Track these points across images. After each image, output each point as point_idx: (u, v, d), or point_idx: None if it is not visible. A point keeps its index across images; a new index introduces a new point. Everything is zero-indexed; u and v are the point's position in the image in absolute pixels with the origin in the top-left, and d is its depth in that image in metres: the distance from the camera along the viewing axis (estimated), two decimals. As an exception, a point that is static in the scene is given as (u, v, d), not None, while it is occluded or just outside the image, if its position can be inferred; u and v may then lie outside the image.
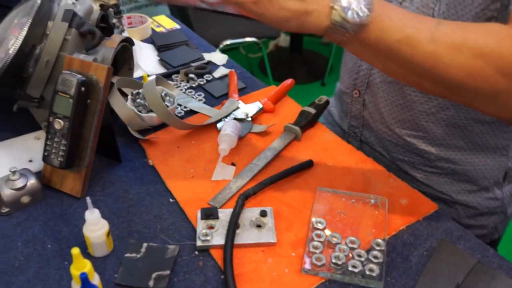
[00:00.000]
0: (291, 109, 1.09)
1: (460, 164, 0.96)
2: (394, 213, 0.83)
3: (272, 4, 0.65)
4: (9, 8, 1.35)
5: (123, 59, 1.06)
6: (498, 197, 1.00)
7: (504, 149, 0.96)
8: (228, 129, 0.97)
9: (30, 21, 0.89)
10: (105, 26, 0.97)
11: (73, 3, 0.93)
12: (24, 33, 0.89)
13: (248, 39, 2.79)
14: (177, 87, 1.16)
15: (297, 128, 0.99)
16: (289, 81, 1.15)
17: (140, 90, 1.05)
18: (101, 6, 0.96)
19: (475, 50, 0.68)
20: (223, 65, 1.26)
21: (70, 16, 0.90)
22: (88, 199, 0.73)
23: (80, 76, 0.83)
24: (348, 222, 0.81)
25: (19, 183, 0.86)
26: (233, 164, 0.94)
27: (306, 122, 1.01)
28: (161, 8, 2.97)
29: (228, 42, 2.71)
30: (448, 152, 0.96)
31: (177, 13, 2.56)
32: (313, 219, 0.80)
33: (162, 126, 1.03)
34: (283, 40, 3.68)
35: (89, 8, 0.95)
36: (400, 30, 0.67)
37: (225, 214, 0.82)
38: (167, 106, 1.02)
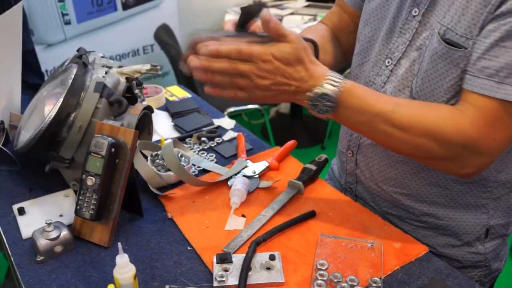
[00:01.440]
0: (294, 167, 1.21)
1: (443, 219, 1.06)
2: (389, 255, 0.93)
3: (270, 98, 0.89)
4: (27, 82, 1.51)
5: (144, 124, 1.19)
6: (481, 252, 1.08)
7: (484, 207, 1.05)
8: (238, 184, 1.08)
9: (66, 92, 1.02)
10: (130, 96, 1.10)
11: (103, 76, 1.06)
12: (60, 102, 1.02)
13: (250, 106, 2.96)
14: (191, 149, 1.29)
15: (300, 183, 1.10)
16: (291, 142, 1.27)
17: (159, 152, 1.17)
18: (127, 78, 1.10)
19: (420, 130, 0.87)
20: (231, 129, 1.39)
21: (101, 88, 1.04)
22: (120, 245, 0.84)
23: (110, 139, 0.96)
24: (348, 263, 0.91)
25: (53, 234, 0.96)
26: (243, 215, 1.04)
27: (308, 178, 1.12)
28: (169, 78, 3.15)
29: (232, 109, 2.87)
30: (431, 208, 1.06)
31: (184, 83, 2.73)
32: (317, 262, 0.90)
33: (179, 183, 1.15)
34: (284, 106, 3.85)
35: (117, 81, 1.09)
36: (361, 114, 0.88)
37: (238, 258, 0.91)
38: (183, 166, 1.13)
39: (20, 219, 1.06)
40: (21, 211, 1.07)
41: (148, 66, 1.10)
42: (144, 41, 3.06)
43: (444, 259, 1.08)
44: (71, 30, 2.78)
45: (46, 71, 2.76)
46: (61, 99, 1.02)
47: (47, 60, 2.74)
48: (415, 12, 0.97)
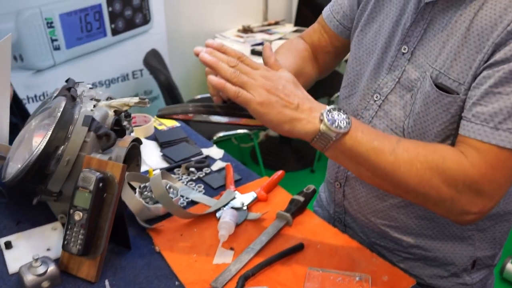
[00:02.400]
0: (282, 198, 1.21)
1: (431, 251, 1.07)
2: (377, 289, 0.93)
3: (272, 107, 0.82)
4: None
5: (132, 156, 1.19)
6: (468, 283, 1.09)
7: (470, 239, 1.06)
8: (226, 217, 1.09)
9: (54, 125, 1.02)
10: (118, 129, 1.11)
11: (92, 110, 1.07)
12: (48, 135, 1.02)
13: (240, 131, 2.97)
14: (179, 180, 1.29)
15: (288, 215, 1.11)
16: (279, 173, 1.28)
17: (147, 184, 1.17)
18: (115, 111, 1.11)
19: (424, 164, 0.85)
20: (220, 159, 1.40)
21: (89, 121, 1.04)
22: (107, 282, 0.83)
23: (98, 173, 0.96)
24: (336, 298, 0.91)
25: (41, 270, 0.95)
26: (232, 248, 1.04)
27: (296, 209, 1.13)
28: (158, 103, 3.16)
29: (221, 134, 2.87)
30: (418, 240, 1.07)
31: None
32: (305, 296, 0.90)
33: (167, 215, 1.15)
34: (273, 130, 3.86)
35: (105, 114, 1.09)
36: (369, 142, 0.85)
37: (226, 293, 0.91)
38: (171, 198, 1.14)
39: (7, 254, 1.05)
40: (8, 245, 1.06)
41: (136, 99, 1.10)
42: (134, 66, 3.07)
43: None
44: (61, 56, 2.78)
45: (35, 96, 2.76)
46: (49, 133, 1.03)
47: (36, 85, 2.74)
48: (404, 49, 0.99)
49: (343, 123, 0.83)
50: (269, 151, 3.63)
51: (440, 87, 0.91)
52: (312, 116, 0.84)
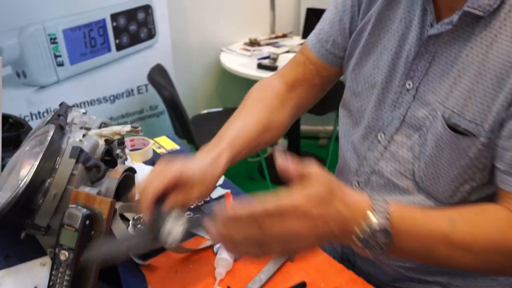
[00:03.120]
0: (284, 229, 1.14)
1: (448, 287, 0.99)
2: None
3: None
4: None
5: (126, 185, 1.13)
6: None
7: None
8: (223, 253, 1.02)
9: (40, 157, 0.97)
10: (110, 159, 1.05)
11: (80, 140, 1.01)
12: (34, 168, 0.96)
13: (246, 147, 2.90)
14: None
15: (290, 249, 1.04)
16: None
17: (141, 215, 1.11)
18: (106, 141, 1.05)
19: (484, 247, 0.75)
20: (220, 185, 1.33)
21: (77, 153, 0.98)
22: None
23: (85, 210, 0.90)
24: None
25: (24, 313, 0.90)
26: (228, 287, 0.98)
27: (298, 243, 1.06)
28: (164, 118, 3.11)
29: (227, 150, 2.81)
30: (437, 278, 0.99)
31: (181, 132, 2.69)
32: None
33: (161, 249, 1.08)
34: (281, 143, 3.80)
35: (95, 143, 1.03)
36: (417, 244, 0.74)
37: None
38: (166, 230, 1.07)
39: (-9, 293, 1.00)
40: (-7, 284, 1.01)
41: (128, 128, 1.05)
42: (139, 81, 3.02)
43: None
44: (64, 72, 2.74)
45: (39, 112, 2.72)
46: (35, 165, 0.97)
47: (40, 102, 2.70)
48: (409, 85, 0.91)
49: (382, 243, 0.71)
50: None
51: (454, 129, 0.83)
52: (346, 238, 0.72)
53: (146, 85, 3.04)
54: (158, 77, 2.82)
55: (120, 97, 3.01)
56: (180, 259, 1.06)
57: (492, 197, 0.85)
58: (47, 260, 1.07)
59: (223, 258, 1.01)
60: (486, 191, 0.87)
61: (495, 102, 0.78)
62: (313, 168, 0.72)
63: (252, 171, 3.51)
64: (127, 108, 3.06)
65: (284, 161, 0.73)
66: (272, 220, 0.67)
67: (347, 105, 1.07)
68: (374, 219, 0.70)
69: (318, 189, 0.69)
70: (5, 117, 1.52)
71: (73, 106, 1.21)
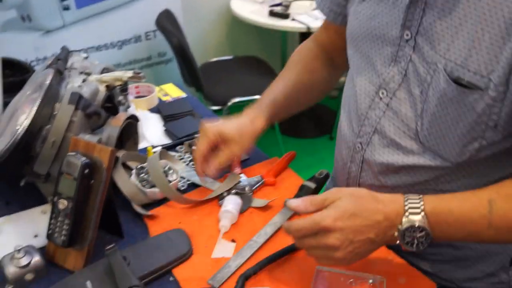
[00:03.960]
0: (292, 182, 1.11)
1: (461, 249, 0.95)
2: (392, 294, 0.83)
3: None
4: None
5: (128, 134, 1.10)
6: (504, 281, 0.97)
7: None
8: (229, 205, 0.99)
9: (38, 103, 0.92)
10: (111, 106, 1.00)
11: (80, 86, 0.97)
12: (32, 114, 0.92)
13: (256, 96, 2.85)
14: (181, 159, 1.19)
15: (297, 203, 1.00)
16: (290, 154, 1.17)
17: (144, 165, 1.07)
18: (107, 87, 1.00)
19: None
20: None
21: (76, 99, 0.94)
22: (89, 284, 0.75)
23: (84, 158, 0.86)
24: (346, 304, 0.81)
25: (24, 261, 0.87)
26: (233, 240, 0.95)
27: (306, 197, 1.02)
28: (172, 65, 3.05)
29: (236, 99, 2.76)
30: None
31: (189, 80, 2.63)
32: (311, 302, 0.81)
33: (165, 200, 1.05)
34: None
35: (95, 90, 0.99)
36: (459, 230, 0.76)
37: (223, 295, 0.82)
38: (170, 181, 1.04)
39: (-8, 240, 0.98)
40: (-7, 231, 0.99)
41: (130, 74, 1.00)
42: (147, 26, 2.94)
43: None
44: (70, 16, 2.67)
45: (45, 58, 2.66)
46: (33, 111, 0.93)
47: (45, 47, 2.64)
48: (407, 35, 0.83)
49: (422, 240, 0.75)
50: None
51: (459, 83, 0.76)
52: (387, 242, 0.78)
53: (154, 31, 2.96)
54: (167, 23, 2.74)
55: (128, 43, 2.94)
56: (184, 210, 1.03)
57: (504, 154, 0.81)
58: (48, 208, 1.04)
59: (228, 211, 0.98)
60: (498, 147, 0.81)
61: (504, 52, 0.71)
62: (326, 193, 0.80)
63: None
64: (135, 55, 2.99)
65: (301, 207, 0.80)
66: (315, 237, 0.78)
67: (350, 60, 1.01)
68: (410, 221, 0.74)
69: (344, 204, 0.77)
70: (10, 61, 1.48)
71: (80, 50, 1.16)
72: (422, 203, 0.75)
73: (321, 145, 3.26)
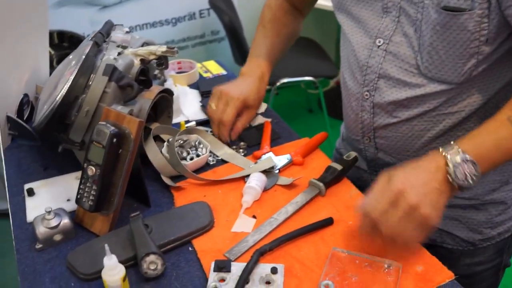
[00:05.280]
0: (320, 163, 1.11)
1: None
2: (408, 280, 0.82)
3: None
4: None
5: (162, 107, 1.12)
6: None
7: None
8: (253, 182, 1.00)
9: (75, 73, 0.96)
10: (144, 79, 1.03)
11: (115, 58, 1.00)
12: (68, 84, 0.96)
13: (306, 78, 2.83)
14: (213, 134, 1.21)
15: (321, 184, 1.00)
16: (321, 135, 1.17)
17: (176, 137, 1.10)
18: (142, 60, 1.03)
19: None
20: (261, 114, 1.29)
21: (111, 71, 0.97)
22: (106, 246, 0.78)
23: (113, 128, 0.90)
24: (358, 287, 0.81)
25: (53, 222, 0.92)
26: (254, 216, 0.96)
27: (331, 179, 1.02)
28: (225, 44, 3.07)
29: (285, 80, 2.75)
30: None
31: (240, 59, 2.65)
32: (322, 282, 0.81)
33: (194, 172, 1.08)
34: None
35: (130, 63, 1.01)
36: (497, 151, 0.84)
37: (237, 267, 0.84)
38: (199, 155, 1.07)
39: (28, 201, 1.04)
40: (30, 192, 1.04)
41: (164, 48, 1.02)
42: (201, 4, 2.97)
43: (489, 206, 1.06)
44: (127, -9, 2.74)
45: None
46: (70, 80, 0.97)
47: (102, 21, 2.70)
48: None
49: (474, 173, 0.81)
50: (337, 98, 3.45)
51: (448, 9, 0.85)
52: (450, 186, 0.82)
53: (208, 9, 2.98)
54: (220, 1, 2.75)
55: (182, 20, 2.98)
56: (210, 184, 1.05)
57: (497, 66, 0.91)
58: (82, 174, 1.09)
59: (252, 187, 0.99)
60: (491, 59, 0.90)
61: None
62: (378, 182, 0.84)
63: (312, 104, 3.43)
64: (189, 32, 3.03)
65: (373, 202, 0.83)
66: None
67: (342, 25, 1.08)
68: (453, 159, 0.80)
69: (399, 173, 0.82)
70: (67, 34, 1.55)
71: (136, 26, 1.20)
72: (456, 146, 0.82)
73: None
